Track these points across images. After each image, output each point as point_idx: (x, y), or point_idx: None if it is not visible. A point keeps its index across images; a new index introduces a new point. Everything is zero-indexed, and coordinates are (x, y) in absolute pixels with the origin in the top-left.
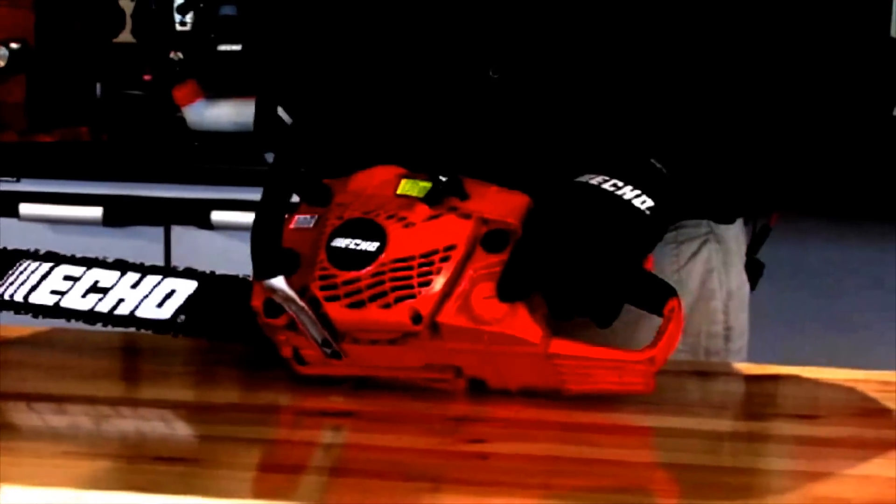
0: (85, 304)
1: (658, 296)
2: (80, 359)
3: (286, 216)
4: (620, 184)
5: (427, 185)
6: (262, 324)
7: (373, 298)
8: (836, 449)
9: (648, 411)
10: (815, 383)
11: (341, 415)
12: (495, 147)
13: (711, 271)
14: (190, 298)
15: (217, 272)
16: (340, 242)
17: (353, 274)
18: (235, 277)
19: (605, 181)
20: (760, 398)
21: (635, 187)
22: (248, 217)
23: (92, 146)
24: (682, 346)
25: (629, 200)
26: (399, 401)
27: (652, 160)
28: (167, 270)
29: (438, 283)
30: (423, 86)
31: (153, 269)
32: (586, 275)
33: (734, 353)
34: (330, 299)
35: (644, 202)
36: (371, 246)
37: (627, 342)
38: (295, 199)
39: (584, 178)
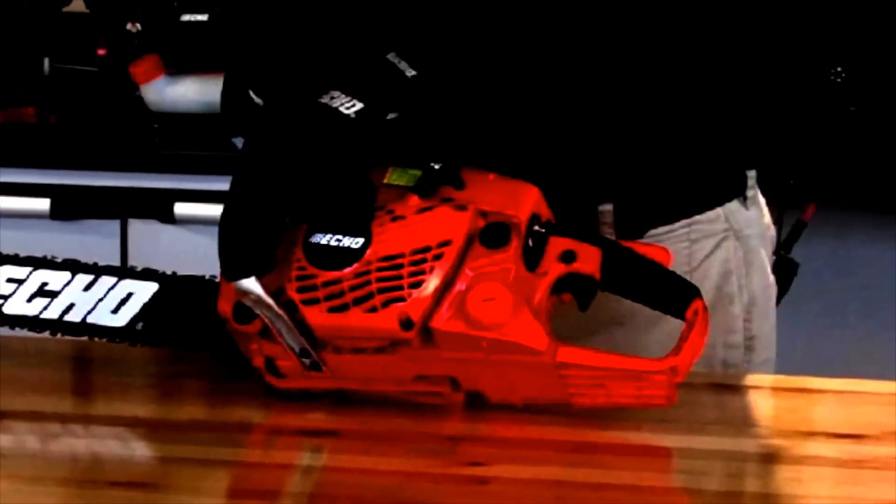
0: (31, 310)
1: (679, 296)
2: (25, 370)
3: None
4: (336, 92)
5: (417, 172)
6: (231, 331)
7: (357, 302)
8: (883, 472)
9: (667, 430)
10: (859, 397)
11: (321, 434)
12: (495, 130)
13: (729, 273)
14: (149, 302)
15: (180, 272)
16: (320, 238)
17: (334, 274)
18: (201, 278)
19: (330, 96)
20: (792, 414)
21: (345, 91)
22: (215, 210)
23: (38, 129)
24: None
25: (335, 108)
26: (386, 418)
27: (389, 56)
28: (124, 271)
29: (431, 283)
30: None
31: (108, 270)
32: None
33: (757, 366)
34: (308, 302)
35: (352, 106)
36: (354, 242)
37: (643, 349)
38: None
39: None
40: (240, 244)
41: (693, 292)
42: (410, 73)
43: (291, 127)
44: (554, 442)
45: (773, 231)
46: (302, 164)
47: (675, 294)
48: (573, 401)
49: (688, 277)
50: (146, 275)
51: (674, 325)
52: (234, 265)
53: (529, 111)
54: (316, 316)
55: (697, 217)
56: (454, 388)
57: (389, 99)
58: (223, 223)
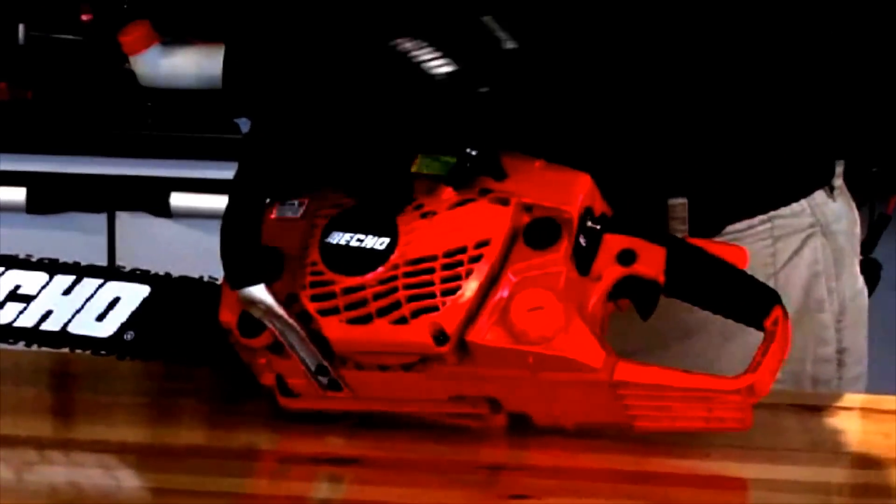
0: (1, 318)
1: (757, 303)
2: None
3: (266, 202)
4: (425, 44)
5: (451, 160)
6: (235, 344)
7: (382, 311)
8: None
9: (741, 457)
10: None
11: (340, 462)
12: (538, 110)
13: (818, 275)
14: (140, 309)
15: (176, 273)
16: (338, 238)
17: (355, 279)
18: (200, 281)
19: (408, 44)
20: (887, 440)
21: (438, 48)
22: (216, 201)
23: (11, 107)
24: (781, 373)
25: (419, 63)
26: (416, 444)
27: (485, 19)
28: (110, 272)
29: (468, 290)
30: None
31: (92, 271)
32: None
33: (850, 381)
34: (325, 312)
35: (442, 66)
36: (379, 242)
37: (718, 365)
38: None
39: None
40: (246, 245)
41: (773, 298)
42: (510, 44)
43: (344, 75)
44: (610, 472)
45: (859, 227)
46: (349, 128)
47: (751, 300)
48: (633, 424)
49: (771, 281)
50: (136, 276)
51: (755, 337)
52: (239, 270)
53: (597, 89)
54: (334, 328)
55: (781, 210)
56: (494, 409)
57: (484, 68)
58: (226, 220)
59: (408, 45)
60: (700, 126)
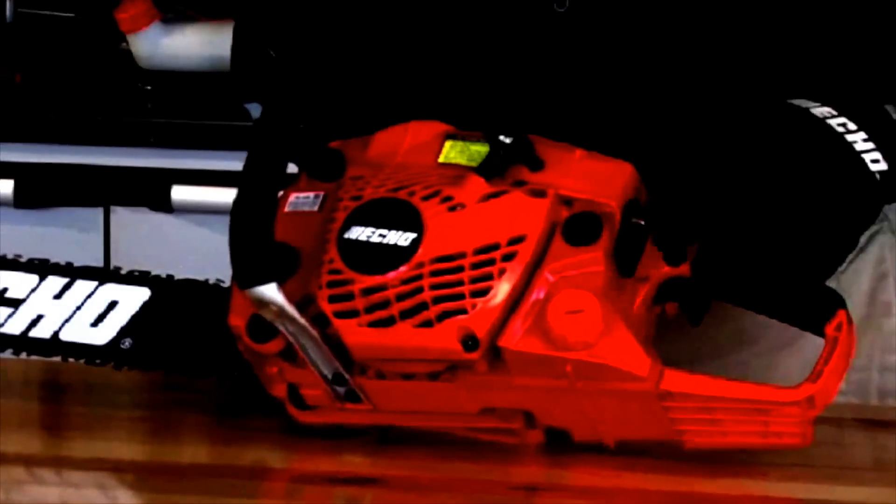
0: None
1: (818, 307)
2: None
3: (279, 194)
4: (853, 126)
5: (482, 148)
6: (245, 351)
7: (406, 314)
8: None
9: (802, 477)
10: None
11: (359, 482)
12: (578, 94)
13: (885, 276)
14: (139, 314)
15: (178, 275)
16: (358, 233)
17: (376, 279)
18: (204, 283)
19: (832, 116)
20: None
21: (869, 137)
22: (223, 195)
23: None
24: (845, 384)
25: (860, 154)
26: (443, 462)
27: (887, 108)
28: (106, 273)
29: (501, 291)
30: (473, 11)
31: (86, 272)
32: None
33: None
34: (343, 315)
35: (877, 162)
36: (403, 238)
37: (778, 375)
38: (292, 168)
39: (799, 102)
40: (257, 241)
41: (835, 301)
42: None
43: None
44: (656, 493)
45: None
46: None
47: (812, 303)
48: (681, 440)
49: (834, 283)
50: (135, 278)
51: (819, 344)
52: (249, 268)
53: (642, 68)
54: (353, 332)
55: None
56: (529, 424)
57: None
58: (235, 213)
59: (833, 121)
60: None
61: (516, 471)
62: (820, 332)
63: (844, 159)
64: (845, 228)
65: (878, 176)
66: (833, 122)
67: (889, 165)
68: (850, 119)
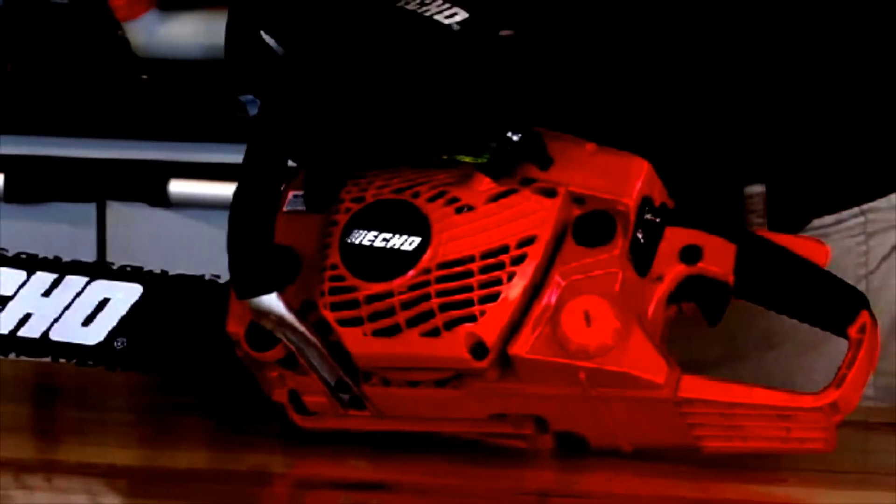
0: None
1: (841, 307)
2: None
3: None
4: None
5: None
6: (243, 357)
7: (412, 322)
8: None
9: (825, 483)
10: None
11: (364, 487)
12: (589, 82)
13: None
14: (133, 312)
15: (173, 271)
16: (361, 237)
17: (381, 286)
18: (200, 280)
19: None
20: None
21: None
22: (220, 189)
23: None
24: (874, 389)
25: (429, 16)
26: (450, 467)
27: None
28: (98, 269)
29: (510, 295)
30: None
31: (77, 268)
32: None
33: None
34: (347, 323)
35: (454, 15)
36: (407, 242)
37: (802, 379)
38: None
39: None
40: (256, 247)
41: (859, 301)
42: None
43: (353, 42)
44: (674, 500)
45: None
46: (367, 99)
47: (834, 304)
48: (700, 445)
49: (863, 283)
50: (128, 274)
51: (841, 346)
52: (248, 278)
53: (656, 56)
54: (357, 340)
55: (876, 202)
56: (541, 429)
57: (501, 9)
58: (234, 215)
59: (412, 4)
60: (781, 100)
61: (527, 476)
62: (842, 334)
63: (409, 26)
64: (450, 83)
65: (454, 25)
66: (410, 4)
67: (469, 12)
68: None
